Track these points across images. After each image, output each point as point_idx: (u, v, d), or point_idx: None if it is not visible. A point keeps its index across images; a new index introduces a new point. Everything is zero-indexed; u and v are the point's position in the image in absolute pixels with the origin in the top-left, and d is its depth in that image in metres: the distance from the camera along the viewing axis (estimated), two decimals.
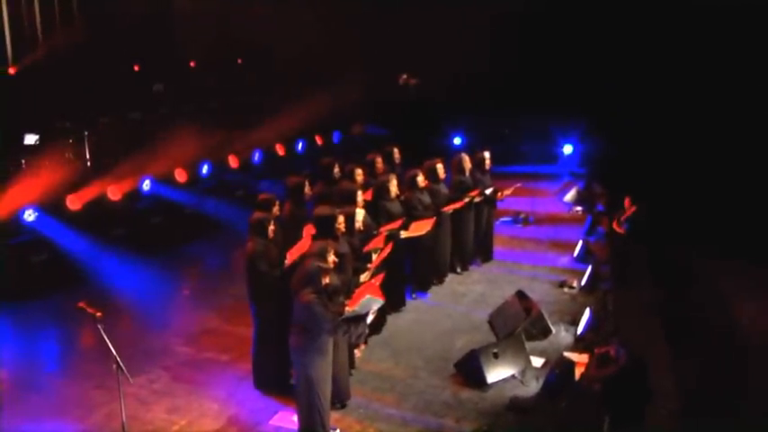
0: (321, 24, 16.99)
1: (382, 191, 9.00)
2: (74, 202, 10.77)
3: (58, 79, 13.56)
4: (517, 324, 8.23)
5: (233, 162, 14.01)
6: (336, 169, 9.25)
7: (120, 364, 5.26)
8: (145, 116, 13.55)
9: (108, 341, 5.22)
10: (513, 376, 7.43)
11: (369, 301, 6.04)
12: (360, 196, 8.26)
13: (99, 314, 5.22)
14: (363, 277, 7.24)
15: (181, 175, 12.78)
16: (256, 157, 14.72)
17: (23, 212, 10.11)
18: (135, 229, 11.73)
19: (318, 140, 16.68)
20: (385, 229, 8.30)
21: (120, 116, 13.16)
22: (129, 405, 6.89)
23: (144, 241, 11.65)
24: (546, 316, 8.51)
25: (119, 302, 9.85)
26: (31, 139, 11.93)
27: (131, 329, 8.95)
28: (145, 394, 7.25)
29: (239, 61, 16.95)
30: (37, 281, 10.01)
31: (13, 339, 8.91)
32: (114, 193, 11.47)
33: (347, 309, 6.05)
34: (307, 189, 8.36)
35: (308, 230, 7.44)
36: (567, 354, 7.68)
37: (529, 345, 7.87)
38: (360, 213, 7.70)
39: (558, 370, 7.13)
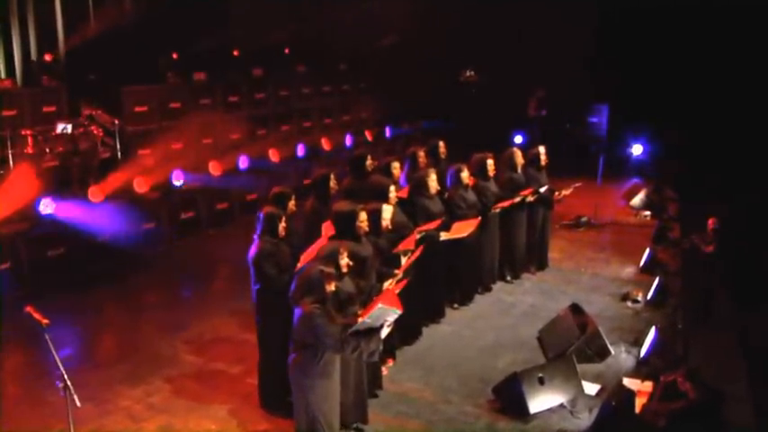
0: (386, 16, 16.25)
1: (420, 186, 8.02)
2: (96, 194, 10.11)
3: (94, 66, 13.09)
4: (569, 343, 7.20)
5: (273, 155, 13.23)
6: (369, 161, 8.31)
7: (68, 382, 4.39)
8: (183, 106, 12.85)
9: (55, 353, 4.37)
10: (561, 405, 6.38)
11: (382, 312, 5.07)
12: (393, 192, 7.31)
13: (46, 321, 4.39)
14: (387, 284, 6.29)
15: (215, 168, 12.07)
16: (299, 151, 13.91)
17: (39, 203, 9.47)
18: (162, 223, 11.06)
19: (368, 135, 15.81)
20: (419, 230, 7.32)
21: (157, 105, 12.48)
22: (119, 421, 6.27)
23: (171, 237, 11.02)
24: (604, 334, 7.37)
25: (134, 302, 9.20)
26: (61, 127, 11.38)
27: (140, 333, 8.24)
28: (139, 410, 6.43)
29: (287, 51, 16.18)
30: (51, 276, 9.35)
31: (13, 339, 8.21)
32: (141, 185, 10.80)
33: (358, 320, 5.08)
34: (332, 183, 7.45)
35: (327, 229, 6.54)
36: (626, 380, 6.68)
37: (582, 368, 6.77)
38: (387, 210, 6.74)
39: (616, 400, 6.14)
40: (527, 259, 9.83)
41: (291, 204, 6.73)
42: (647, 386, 6.50)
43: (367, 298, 5.89)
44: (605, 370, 7.06)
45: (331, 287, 5.00)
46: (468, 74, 19.00)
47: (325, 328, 4.86)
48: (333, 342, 4.89)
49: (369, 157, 8.36)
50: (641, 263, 10.01)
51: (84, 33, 14.06)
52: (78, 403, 4.41)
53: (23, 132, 10.60)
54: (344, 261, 5.47)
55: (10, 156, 10.27)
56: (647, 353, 7.19)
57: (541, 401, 6.30)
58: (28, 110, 11.36)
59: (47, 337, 4.35)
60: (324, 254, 5.47)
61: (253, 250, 6.18)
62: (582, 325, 7.41)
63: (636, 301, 8.74)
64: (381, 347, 5.24)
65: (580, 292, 9.10)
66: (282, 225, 6.23)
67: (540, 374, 6.40)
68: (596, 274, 9.88)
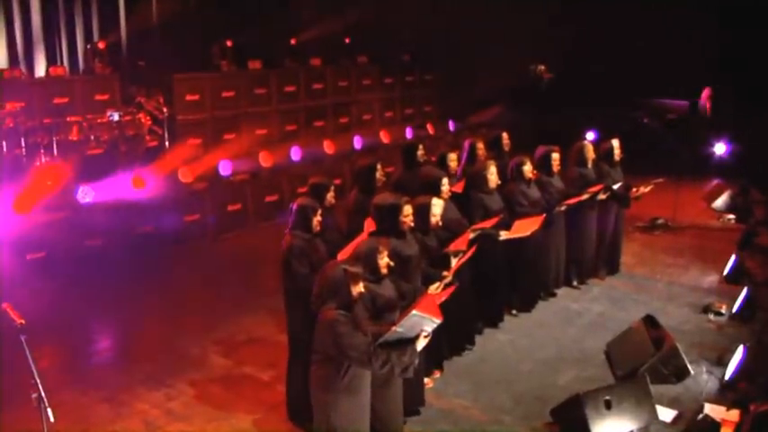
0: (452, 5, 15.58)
1: (478, 180, 7.27)
2: (138, 184, 9.69)
3: (150, 53, 12.80)
4: (642, 360, 6.36)
5: (328, 147, 12.66)
6: (421, 151, 7.60)
7: (42, 393, 3.79)
8: (237, 95, 12.37)
9: (30, 359, 3.78)
10: None
11: (417, 320, 4.34)
12: (445, 185, 6.58)
13: (22, 321, 3.80)
14: (433, 288, 5.57)
15: (266, 159, 11.55)
16: (356, 143, 13.31)
17: (78, 191, 9.10)
18: (207, 215, 10.61)
19: (430, 128, 15.11)
20: (474, 228, 6.57)
21: (210, 93, 12.03)
22: (132, 426, 5.71)
23: (216, 230, 10.55)
24: (682, 351, 6.49)
25: (169, 298, 8.70)
26: (109, 114, 11.07)
27: (170, 331, 7.70)
28: (155, 415, 5.89)
29: (347, 40, 15.59)
30: (87, 267, 8.96)
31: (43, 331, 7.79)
32: (186, 175, 10.35)
33: (391, 329, 4.37)
34: (379, 174, 6.77)
35: (369, 224, 5.86)
36: (708, 407, 5.77)
37: (656, 390, 5.93)
38: (437, 205, 6.02)
39: (696, 430, 5.31)
40: (596, 263, 8.97)
41: (330, 196, 6.08)
42: (734, 415, 5.62)
43: (409, 303, 5.19)
44: (683, 393, 6.20)
45: (358, 289, 4.29)
46: (539, 68, 18.17)
47: (350, 339, 4.16)
48: (358, 355, 4.18)
49: (421, 146, 7.66)
50: (725, 271, 9.01)
51: (144, 20, 13.87)
52: (52, 418, 3.81)
53: (69, 119, 10.32)
54: (384, 261, 4.78)
55: (54, 143, 9.99)
56: (732, 375, 6.28)
57: (608, 428, 5.47)
58: (79, 97, 11.11)
59: (22, 339, 3.76)
60: (360, 252, 4.78)
61: (283, 246, 5.54)
62: (657, 339, 6.57)
63: (719, 314, 7.81)
64: (417, 361, 4.50)
65: (655, 301, 8.23)
66: (317, 219, 5.57)
67: (607, 396, 5.56)
68: (673, 281, 8.95)
